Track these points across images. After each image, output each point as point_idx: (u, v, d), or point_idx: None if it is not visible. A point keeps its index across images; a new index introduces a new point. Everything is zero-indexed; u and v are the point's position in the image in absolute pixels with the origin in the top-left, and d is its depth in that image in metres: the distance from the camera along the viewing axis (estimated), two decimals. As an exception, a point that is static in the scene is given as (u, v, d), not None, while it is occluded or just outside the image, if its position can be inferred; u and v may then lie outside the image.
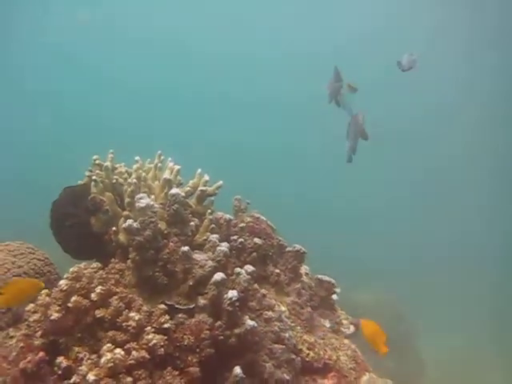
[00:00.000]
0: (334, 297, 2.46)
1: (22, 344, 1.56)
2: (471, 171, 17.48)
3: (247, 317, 1.63)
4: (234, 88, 19.81)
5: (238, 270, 1.70)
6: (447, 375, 8.22)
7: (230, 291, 1.59)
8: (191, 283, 1.65)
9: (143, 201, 1.65)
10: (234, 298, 1.57)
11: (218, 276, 1.61)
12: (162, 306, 1.57)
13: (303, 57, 18.19)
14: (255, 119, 19.62)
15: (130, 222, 1.63)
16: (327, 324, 2.18)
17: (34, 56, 18.56)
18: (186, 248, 1.66)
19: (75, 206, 1.92)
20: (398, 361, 7.86)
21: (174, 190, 1.77)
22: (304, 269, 2.41)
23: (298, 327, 1.95)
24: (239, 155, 17.78)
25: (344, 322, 2.43)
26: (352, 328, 2.44)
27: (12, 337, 1.60)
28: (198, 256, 1.72)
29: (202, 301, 1.63)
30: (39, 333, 1.55)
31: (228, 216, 2.11)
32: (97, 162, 2.03)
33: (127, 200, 1.87)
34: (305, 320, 2.01)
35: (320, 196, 16.77)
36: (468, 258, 13.42)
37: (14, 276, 1.70)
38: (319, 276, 2.32)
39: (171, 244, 1.71)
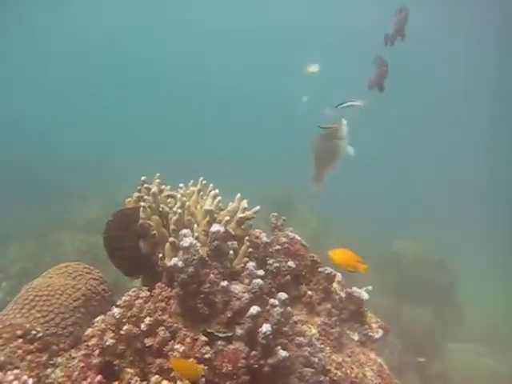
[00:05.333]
0: (365, 296, 2.58)
1: (82, 364, 1.79)
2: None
3: (280, 347, 1.79)
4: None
5: (272, 301, 1.84)
6: (486, 324, 8.40)
7: (264, 325, 1.74)
8: (229, 315, 1.82)
9: (187, 240, 1.80)
10: (267, 333, 1.73)
11: (254, 310, 1.75)
12: (203, 337, 1.75)
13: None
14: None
15: (175, 260, 1.79)
16: (355, 337, 2.33)
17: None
18: (225, 283, 1.82)
19: (126, 229, 2.09)
20: (437, 309, 8.09)
21: (215, 228, 1.89)
22: (337, 276, 2.54)
23: (328, 348, 2.10)
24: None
25: (373, 325, 2.57)
26: (381, 332, 2.58)
27: (74, 358, 1.82)
28: (236, 287, 1.87)
29: (239, 331, 1.80)
30: (96, 352, 1.78)
31: (265, 238, 2.23)
32: (145, 185, 2.18)
33: (172, 227, 2.03)
34: (334, 339, 2.16)
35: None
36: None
37: (74, 301, 1.91)
38: (349, 290, 2.44)
39: (212, 276, 1.87)
